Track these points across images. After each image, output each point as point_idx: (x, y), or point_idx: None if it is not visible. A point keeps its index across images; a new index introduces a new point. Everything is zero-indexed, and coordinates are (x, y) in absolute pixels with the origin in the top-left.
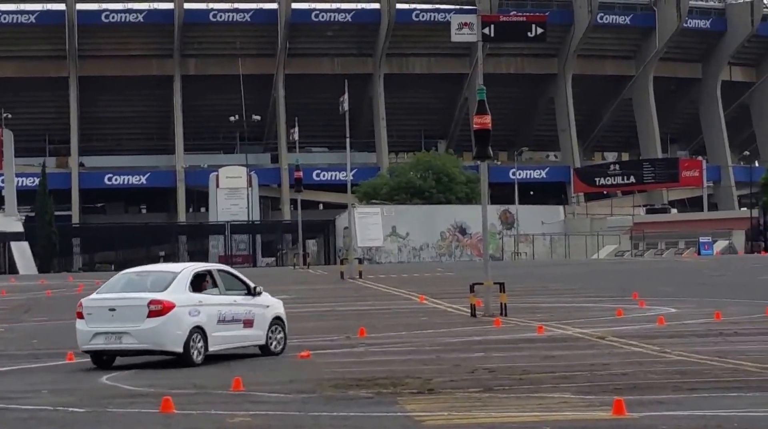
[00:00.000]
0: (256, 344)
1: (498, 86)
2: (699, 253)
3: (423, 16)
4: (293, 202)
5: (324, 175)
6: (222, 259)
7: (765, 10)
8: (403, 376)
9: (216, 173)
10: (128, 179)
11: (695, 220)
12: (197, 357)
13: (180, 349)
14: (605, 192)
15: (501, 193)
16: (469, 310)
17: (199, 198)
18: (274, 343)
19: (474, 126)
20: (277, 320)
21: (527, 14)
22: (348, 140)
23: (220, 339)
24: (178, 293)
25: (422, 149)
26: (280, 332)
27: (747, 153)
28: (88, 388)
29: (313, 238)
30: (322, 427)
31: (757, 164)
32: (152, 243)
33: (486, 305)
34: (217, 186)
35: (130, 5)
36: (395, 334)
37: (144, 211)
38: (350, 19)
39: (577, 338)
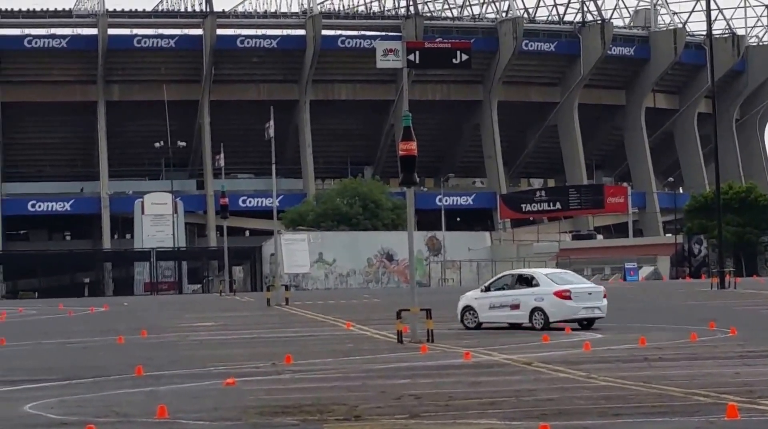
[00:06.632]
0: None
1: (424, 113)
2: (624, 279)
3: (348, 43)
4: (219, 228)
5: (250, 202)
6: (147, 286)
7: (688, 37)
8: (329, 403)
9: (141, 200)
10: (52, 206)
11: (620, 246)
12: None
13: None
14: (531, 218)
15: (428, 220)
16: (396, 337)
17: (124, 224)
18: None
19: (400, 152)
20: None
21: (452, 41)
22: (274, 166)
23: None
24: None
25: (348, 176)
26: None
27: (671, 179)
28: (10, 417)
29: (239, 265)
30: None
31: (681, 191)
32: (76, 270)
33: (413, 331)
34: (143, 212)
35: (53, 30)
36: (321, 360)
37: (68, 238)
38: (276, 46)
39: (504, 364)
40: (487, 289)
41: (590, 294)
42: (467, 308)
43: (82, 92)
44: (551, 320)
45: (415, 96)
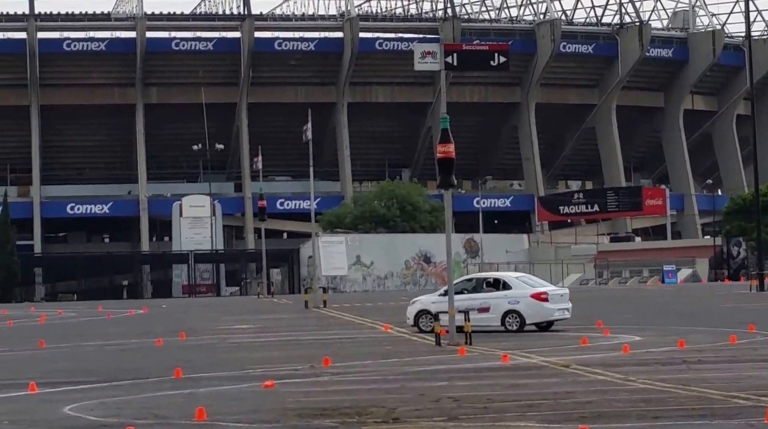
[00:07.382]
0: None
1: (461, 115)
2: (663, 282)
3: (386, 45)
4: (257, 231)
5: (288, 204)
6: (186, 289)
7: (726, 39)
8: (368, 406)
9: (179, 202)
10: (90, 208)
11: (659, 248)
12: None
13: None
14: (569, 220)
15: (465, 222)
16: (434, 339)
17: (162, 227)
18: None
19: (438, 155)
20: None
21: (490, 43)
22: (311, 169)
23: None
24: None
25: (386, 178)
26: None
27: (710, 181)
28: (50, 419)
29: (277, 267)
30: None
31: (719, 193)
32: (115, 272)
33: (451, 334)
34: (181, 215)
35: (92, 34)
36: (360, 363)
37: (107, 240)
38: (313, 48)
39: (542, 366)
40: (446, 293)
41: (561, 296)
42: (423, 312)
43: (121, 95)
44: (528, 322)
45: (452, 98)
